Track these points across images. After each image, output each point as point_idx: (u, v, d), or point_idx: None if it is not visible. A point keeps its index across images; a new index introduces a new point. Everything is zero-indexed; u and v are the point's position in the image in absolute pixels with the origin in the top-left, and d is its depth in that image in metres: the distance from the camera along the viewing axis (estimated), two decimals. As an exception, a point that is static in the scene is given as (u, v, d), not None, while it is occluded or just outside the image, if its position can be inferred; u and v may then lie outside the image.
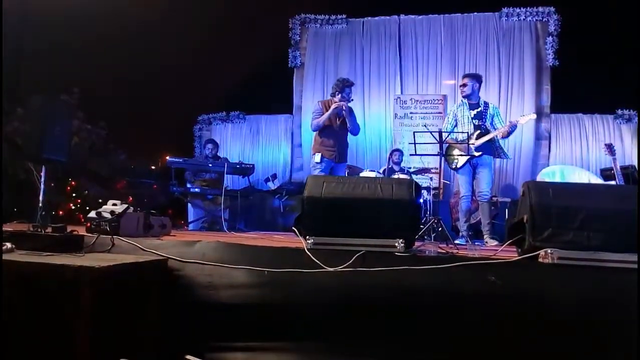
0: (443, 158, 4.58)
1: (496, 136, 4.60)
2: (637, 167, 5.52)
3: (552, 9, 7.24)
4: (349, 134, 4.99)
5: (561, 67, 7.14)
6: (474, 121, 4.64)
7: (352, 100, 4.92)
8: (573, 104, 7.11)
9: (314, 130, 4.91)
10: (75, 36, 5.94)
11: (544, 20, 7.31)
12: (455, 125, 4.70)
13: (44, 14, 5.48)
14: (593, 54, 6.29)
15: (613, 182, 4.83)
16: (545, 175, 5.68)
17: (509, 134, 4.59)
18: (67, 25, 5.73)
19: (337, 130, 4.87)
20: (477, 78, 4.78)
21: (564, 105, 7.19)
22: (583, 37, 6.59)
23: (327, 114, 4.78)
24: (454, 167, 4.71)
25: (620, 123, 7.06)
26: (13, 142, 4.49)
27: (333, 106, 4.78)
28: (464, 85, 4.70)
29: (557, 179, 5.32)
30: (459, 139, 4.56)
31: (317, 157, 4.82)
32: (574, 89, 6.81)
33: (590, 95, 6.71)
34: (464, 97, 4.72)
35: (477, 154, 4.55)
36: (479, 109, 4.68)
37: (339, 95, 4.83)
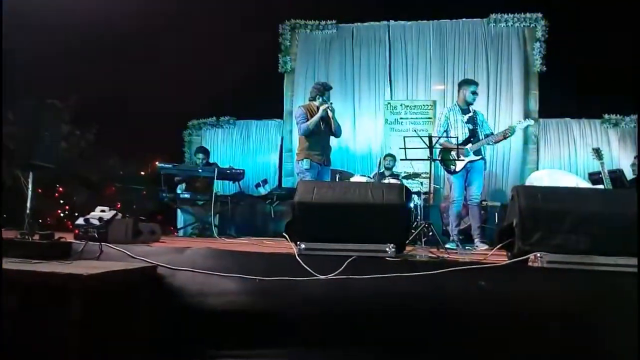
0: (440, 162, 4.63)
1: (490, 141, 4.67)
2: (637, 169, 5.58)
3: (540, 15, 7.32)
4: (331, 137, 5.00)
5: (549, 72, 7.22)
6: (467, 126, 4.67)
7: (332, 103, 4.92)
8: (561, 108, 7.19)
9: (302, 134, 4.87)
10: (66, 41, 5.90)
11: (531, 26, 7.39)
12: (447, 128, 4.73)
13: (35, 19, 5.45)
14: (580, 59, 6.36)
15: (601, 186, 4.88)
16: (534, 179, 5.73)
17: (505, 138, 4.64)
18: (58, 31, 5.68)
19: (322, 134, 4.88)
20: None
21: (552, 110, 7.26)
22: (570, 43, 6.67)
23: (317, 116, 4.75)
24: (452, 170, 4.70)
25: (608, 127, 7.15)
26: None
27: (322, 108, 4.77)
28: (477, 93, 4.77)
29: (546, 183, 5.35)
30: (453, 142, 4.58)
31: (306, 163, 4.77)
32: (561, 94, 6.88)
33: (577, 100, 6.78)
34: (471, 104, 4.76)
35: (477, 157, 4.59)
36: (470, 114, 4.72)
37: (320, 99, 4.83)
